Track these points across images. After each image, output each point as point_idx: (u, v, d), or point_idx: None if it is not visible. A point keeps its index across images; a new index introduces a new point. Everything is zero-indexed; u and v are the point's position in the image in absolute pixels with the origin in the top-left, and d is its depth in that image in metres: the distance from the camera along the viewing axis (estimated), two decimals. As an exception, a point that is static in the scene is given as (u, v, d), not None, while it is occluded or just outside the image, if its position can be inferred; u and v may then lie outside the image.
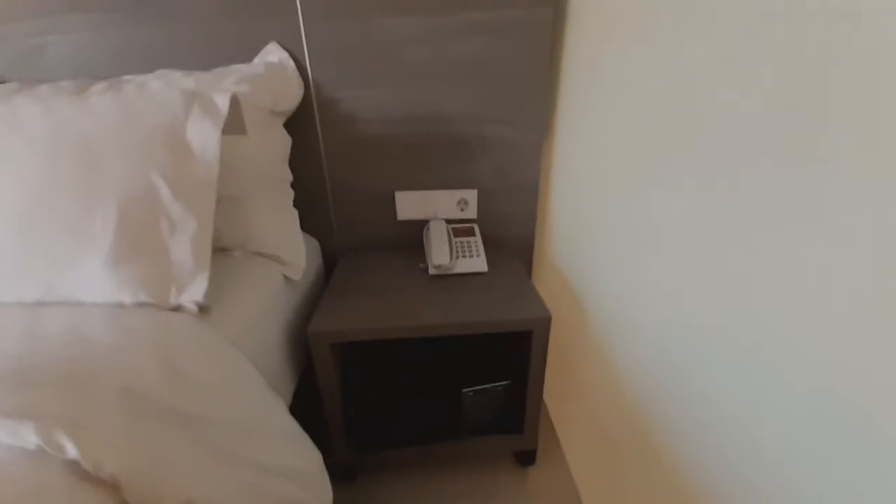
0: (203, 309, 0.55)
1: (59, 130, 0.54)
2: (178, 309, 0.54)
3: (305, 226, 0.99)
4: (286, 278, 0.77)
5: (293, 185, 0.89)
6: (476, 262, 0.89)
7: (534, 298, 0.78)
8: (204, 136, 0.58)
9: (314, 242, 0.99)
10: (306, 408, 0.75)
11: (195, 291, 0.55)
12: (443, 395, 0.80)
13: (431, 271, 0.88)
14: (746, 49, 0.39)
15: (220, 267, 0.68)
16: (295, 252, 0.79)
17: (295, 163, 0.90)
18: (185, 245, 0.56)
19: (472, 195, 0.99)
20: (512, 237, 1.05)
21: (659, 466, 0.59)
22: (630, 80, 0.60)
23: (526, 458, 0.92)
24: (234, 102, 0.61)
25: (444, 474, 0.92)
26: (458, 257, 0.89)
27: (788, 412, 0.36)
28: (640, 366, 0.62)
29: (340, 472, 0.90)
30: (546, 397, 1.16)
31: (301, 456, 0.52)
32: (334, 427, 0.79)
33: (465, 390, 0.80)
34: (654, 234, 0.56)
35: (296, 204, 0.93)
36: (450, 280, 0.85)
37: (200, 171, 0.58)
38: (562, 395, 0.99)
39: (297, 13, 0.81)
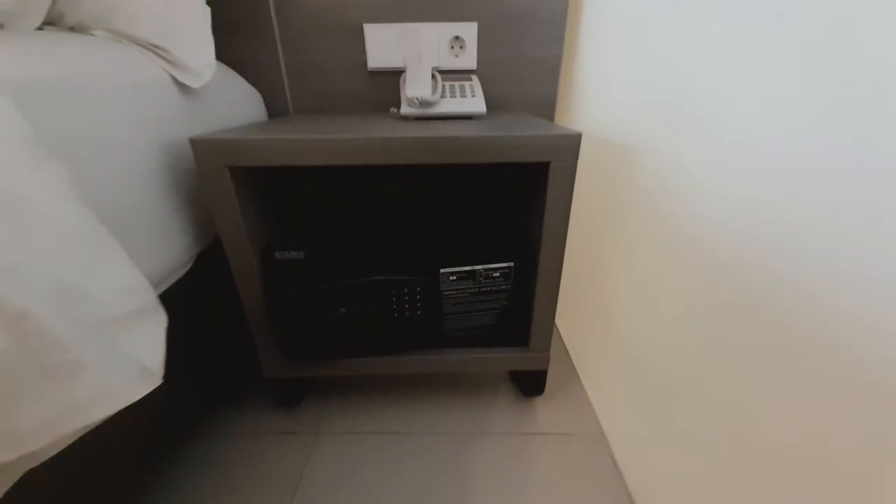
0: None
1: None
2: None
3: (246, 74, 0.74)
4: (179, 84, 0.52)
5: (222, 6, 0.63)
6: (470, 102, 0.62)
7: (551, 125, 0.51)
8: None
9: (254, 92, 0.74)
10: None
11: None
12: (415, 279, 0.54)
13: (405, 111, 0.61)
14: None
15: (64, 40, 0.43)
16: (194, 48, 0.53)
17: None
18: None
19: (469, 31, 0.72)
20: (525, 97, 0.77)
21: (725, 398, 0.33)
22: None
23: (531, 384, 0.65)
24: None
25: (419, 400, 0.67)
26: (444, 96, 0.62)
27: None
28: (708, 253, 0.35)
29: (278, 394, 0.65)
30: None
31: (74, 265, 0.25)
32: (252, 317, 0.55)
33: (444, 270, 0.54)
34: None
35: (230, 38, 0.68)
36: (431, 123, 0.59)
37: None
38: (575, 301, 0.72)
39: None
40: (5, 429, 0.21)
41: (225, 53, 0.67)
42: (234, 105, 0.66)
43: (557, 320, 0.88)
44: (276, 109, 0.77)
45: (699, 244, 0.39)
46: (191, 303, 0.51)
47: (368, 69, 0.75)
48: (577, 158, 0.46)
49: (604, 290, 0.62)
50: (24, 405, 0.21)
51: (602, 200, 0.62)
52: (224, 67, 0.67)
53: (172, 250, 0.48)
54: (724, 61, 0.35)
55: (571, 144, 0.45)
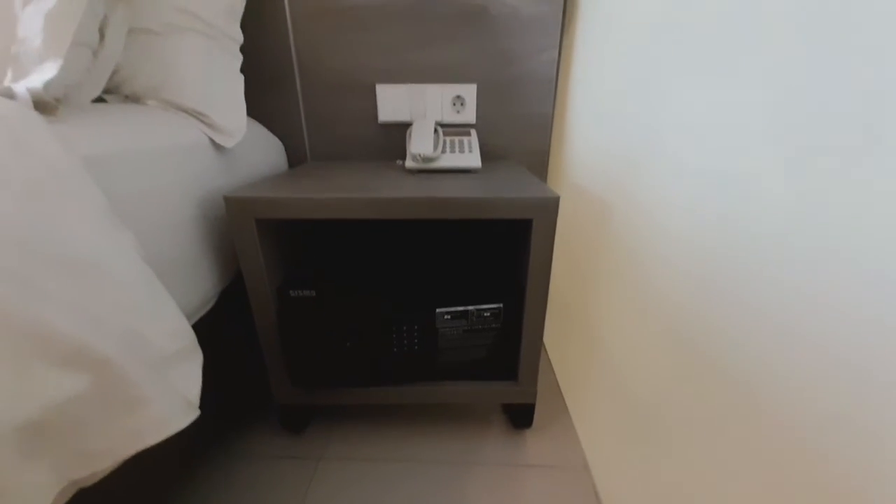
0: (46, 107, 0.38)
1: None
2: (7, 94, 0.37)
3: (269, 124, 0.83)
4: (215, 144, 0.60)
5: (252, 66, 0.73)
6: (467, 158, 0.69)
7: (536, 184, 0.58)
8: None
9: (276, 142, 0.82)
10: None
11: (36, 79, 0.39)
12: (413, 317, 0.60)
13: (409, 165, 0.69)
14: None
15: (119, 108, 0.52)
16: (230, 116, 0.61)
17: (255, 34, 0.74)
18: (36, 21, 0.40)
19: (470, 91, 0.80)
20: (520, 149, 0.85)
21: (705, 434, 0.37)
22: None
23: (521, 417, 0.70)
24: None
25: (416, 430, 0.72)
26: (444, 152, 0.70)
27: None
28: (678, 290, 0.40)
29: (285, 419, 0.70)
30: (546, 340, 0.94)
31: (138, 315, 0.32)
32: (267, 348, 0.61)
33: (439, 310, 0.60)
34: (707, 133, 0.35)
35: (258, 93, 0.77)
36: (432, 177, 0.66)
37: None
38: (567, 338, 0.77)
39: None
40: (83, 451, 0.27)
41: (252, 106, 0.76)
42: (259, 155, 0.74)
43: (550, 354, 0.93)
44: (295, 155, 0.86)
45: (670, 287, 0.44)
46: (209, 335, 0.57)
47: (379, 122, 0.83)
48: (556, 217, 0.52)
49: (591, 325, 0.67)
50: (98, 432, 0.27)
51: (588, 240, 0.68)
52: (251, 121, 0.76)
53: (201, 290, 0.54)
54: (688, 126, 0.42)
55: (551, 205, 0.51)
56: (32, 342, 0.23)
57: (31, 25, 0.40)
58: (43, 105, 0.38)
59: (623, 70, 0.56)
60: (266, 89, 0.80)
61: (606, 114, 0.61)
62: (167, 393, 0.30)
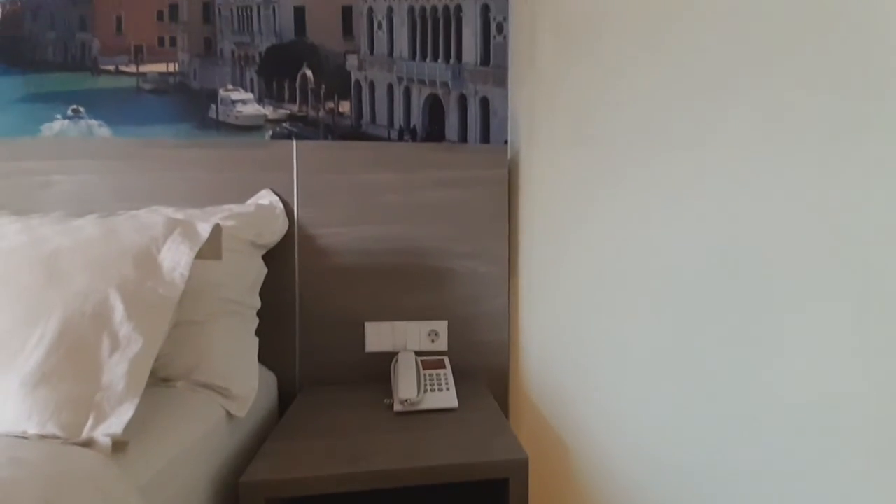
0: (119, 445, 0.47)
1: (31, 244, 0.55)
2: (88, 444, 0.45)
3: (265, 355, 0.92)
4: (228, 415, 0.68)
5: (261, 311, 0.87)
6: (446, 397, 0.82)
7: (508, 438, 0.71)
8: (177, 256, 0.59)
9: (270, 376, 0.92)
10: None
11: (115, 423, 0.48)
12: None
13: (397, 407, 0.80)
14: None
15: (154, 399, 0.61)
16: (246, 384, 0.72)
17: (268, 288, 0.90)
18: (121, 366, 0.51)
19: (442, 326, 0.99)
20: (485, 368, 1.00)
21: None
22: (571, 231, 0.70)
23: None
24: (217, 231, 0.65)
25: None
26: (426, 391, 0.83)
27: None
28: None
29: None
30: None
31: None
32: None
33: (430, 568, 0.64)
34: (628, 364, 0.55)
35: (260, 331, 0.89)
36: (417, 418, 0.77)
37: (162, 288, 0.57)
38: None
39: (292, 168, 0.95)
40: None
41: (255, 347, 0.87)
42: (258, 399, 0.82)
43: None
44: (286, 380, 0.94)
45: None
46: None
47: (366, 351, 0.97)
48: (527, 474, 0.64)
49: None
50: None
51: (553, 464, 0.78)
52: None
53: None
54: (612, 372, 0.57)
55: (522, 466, 0.63)
56: None
57: (116, 371, 0.51)
58: (117, 444, 0.47)
59: (555, 316, 0.77)
60: (268, 328, 0.93)
61: (548, 348, 0.80)
62: None
